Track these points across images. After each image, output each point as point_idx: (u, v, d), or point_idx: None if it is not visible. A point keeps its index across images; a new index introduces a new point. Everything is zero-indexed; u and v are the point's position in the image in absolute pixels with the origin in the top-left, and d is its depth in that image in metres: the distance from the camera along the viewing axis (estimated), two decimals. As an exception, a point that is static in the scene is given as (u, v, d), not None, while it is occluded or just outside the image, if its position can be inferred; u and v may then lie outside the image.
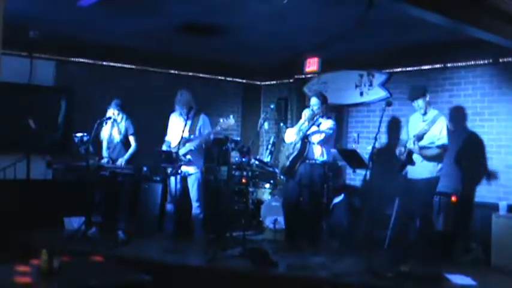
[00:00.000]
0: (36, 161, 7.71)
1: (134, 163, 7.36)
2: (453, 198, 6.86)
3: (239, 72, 10.62)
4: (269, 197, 7.96)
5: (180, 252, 6.33)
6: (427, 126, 6.01)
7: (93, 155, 7.09)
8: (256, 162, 8.47)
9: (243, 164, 7.98)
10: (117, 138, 7.34)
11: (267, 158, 9.27)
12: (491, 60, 7.24)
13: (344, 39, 7.35)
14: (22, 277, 3.79)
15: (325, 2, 6.09)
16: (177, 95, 7.14)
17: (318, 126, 6.80)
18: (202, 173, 7.21)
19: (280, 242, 7.08)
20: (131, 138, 7.37)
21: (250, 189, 8.05)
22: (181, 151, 6.88)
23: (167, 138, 7.29)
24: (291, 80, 10.05)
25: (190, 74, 9.96)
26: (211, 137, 7.14)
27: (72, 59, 8.71)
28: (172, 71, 9.77)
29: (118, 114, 7.30)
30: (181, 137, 6.91)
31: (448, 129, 6.18)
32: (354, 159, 7.04)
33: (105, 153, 7.39)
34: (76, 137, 6.93)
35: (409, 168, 6.31)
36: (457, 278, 5.48)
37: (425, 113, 6.31)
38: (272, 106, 9.03)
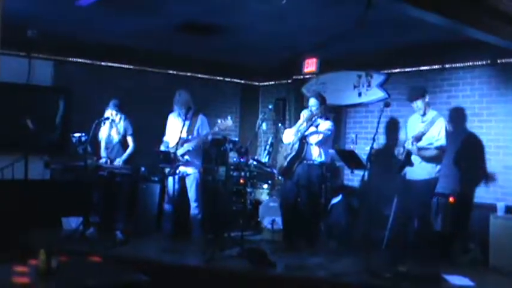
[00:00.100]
0: (34, 161, 7.69)
1: (132, 163, 7.35)
2: (451, 199, 6.87)
3: (237, 72, 10.62)
4: (267, 198, 7.97)
5: (178, 253, 6.32)
6: (425, 127, 6.00)
7: (91, 155, 7.08)
8: (254, 163, 8.48)
9: (241, 165, 7.99)
10: (115, 138, 7.33)
11: (265, 159, 9.28)
12: (489, 61, 7.25)
13: (342, 39, 7.35)
14: (20, 277, 3.79)
15: (324, 2, 6.09)
16: (175, 95, 7.14)
17: (316, 127, 6.81)
18: (200, 173, 7.20)
19: (278, 242, 7.09)
20: (129, 139, 7.36)
21: (248, 190, 8.06)
22: (180, 151, 6.87)
23: (165, 138, 7.28)
24: (289, 81, 10.06)
25: (189, 74, 9.96)
26: (209, 137, 7.13)
27: (70, 59, 8.70)
28: (171, 71, 9.76)
29: (116, 114, 7.28)
30: (180, 137, 6.89)
31: (446, 130, 6.18)
32: (352, 159, 7.05)
33: (103, 153, 7.37)
34: (74, 137, 6.91)
35: (407, 169, 6.31)
36: (455, 279, 5.49)
37: (424, 114, 6.30)
38: (270, 107, 9.03)
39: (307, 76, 9.59)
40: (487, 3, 5.51)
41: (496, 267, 6.17)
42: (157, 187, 7.71)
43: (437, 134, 6.12)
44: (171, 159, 6.79)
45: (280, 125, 10.00)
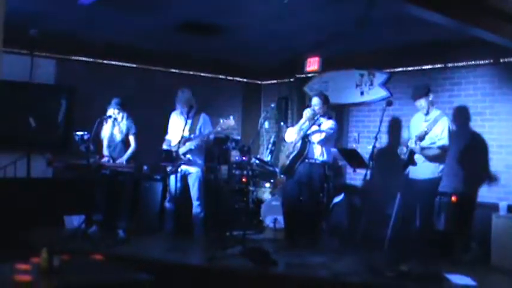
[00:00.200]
0: (37, 159, 7.70)
1: (135, 162, 7.35)
2: (453, 198, 6.86)
3: (240, 71, 10.62)
4: (269, 196, 7.97)
5: (180, 251, 6.33)
6: (429, 126, 6.00)
7: (93, 154, 7.08)
8: (257, 162, 8.47)
9: (243, 163, 8.00)
10: (118, 137, 7.33)
11: (267, 157, 9.28)
12: (492, 60, 7.24)
13: (345, 38, 7.35)
14: (22, 275, 3.79)
15: (326, 1, 6.08)
16: (177, 93, 7.14)
17: (319, 126, 6.81)
18: (202, 172, 7.20)
19: (280, 241, 7.08)
20: (131, 138, 7.35)
21: (251, 189, 8.06)
22: (182, 150, 6.88)
23: (167, 137, 7.28)
24: (292, 80, 10.05)
25: (191, 73, 9.96)
26: (212, 136, 7.13)
27: (72, 57, 8.71)
28: (173, 70, 9.77)
29: (118, 113, 7.28)
30: (182, 136, 6.90)
31: (449, 130, 6.17)
32: (354, 158, 7.06)
33: (105, 151, 7.37)
34: (76, 135, 6.90)
35: (410, 168, 6.31)
36: (456, 278, 5.47)
37: (427, 113, 6.29)
38: (273, 105, 9.06)
39: (310, 75, 9.59)
40: (489, 2, 5.51)
41: (498, 266, 6.16)
42: (159, 186, 7.72)
43: (440, 133, 6.11)
44: (173, 158, 6.80)
45: (282, 123, 10.01)
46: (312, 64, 9.27)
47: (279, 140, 9.69)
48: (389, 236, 6.59)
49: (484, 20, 5.65)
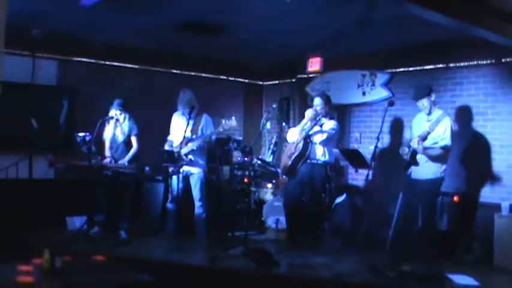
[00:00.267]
0: (38, 161, 7.71)
1: (137, 163, 7.35)
2: (455, 198, 6.85)
3: (241, 71, 10.62)
4: (271, 197, 7.96)
5: (182, 252, 6.32)
6: (431, 126, 5.98)
7: (95, 155, 7.09)
8: (259, 162, 8.47)
9: (245, 164, 7.98)
10: (120, 138, 7.33)
11: (269, 158, 9.26)
12: (493, 60, 7.24)
13: (346, 38, 7.34)
14: (24, 276, 3.79)
15: (328, 2, 6.08)
16: (179, 94, 7.15)
17: (321, 126, 6.80)
18: (204, 172, 7.20)
19: (282, 241, 7.08)
20: (133, 139, 7.35)
21: (253, 189, 8.05)
22: (183, 151, 6.88)
23: (169, 137, 7.29)
24: (293, 80, 10.05)
25: (193, 73, 9.97)
26: (213, 137, 7.14)
27: (74, 58, 8.72)
28: (175, 71, 9.77)
29: (120, 114, 7.29)
30: (184, 136, 6.91)
31: (451, 130, 6.16)
32: (356, 159, 7.05)
33: (107, 152, 7.38)
34: (78, 136, 6.91)
35: (412, 168, 6.30)
36: (459, 278, 5.46)
37: (429, 113, 6.28)
38: (274, 106, 9.07)
39: (311, 75, 9.59)
40: (490, 2, 5.51)
41: (500, 266, 6.15)
42: (161, 186, 7.72)
43: (442, 133, 6.10)
44: (175, 159, 6.80)
45: (284, 124, 10.02)
46: (314, 64, 9.26)
47: (281, 140, 9.69)
48: (392, 236, 6.59)
49: (484, 20, 5.65)
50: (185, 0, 6.33)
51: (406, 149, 6.22)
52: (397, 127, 8.07)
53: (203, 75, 10.12)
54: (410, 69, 8.25)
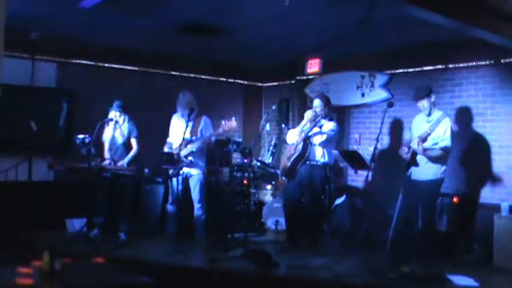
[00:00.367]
0: (38, 163, 7.72)
1: (136, 164, 7.35)
2: (455, 199, 6.85)
3: (241, 73, 10.63)
4: (271, 198, 7.96)
5: (181, 254, 6.32)
6: (431, 127, 5.98)
7: (94, 157, 7.08)
8: (258, 164, 8.47)
9: (244, 166, 7.99)
10: (119, 140, 7.32)
11: (268, 160, 9.27)
12: (492, 61, 7.24)
13: (345, 40, 7.35)
14: (24, 278, 3.79)
15: (327, 3, 6.08)
16: (178, 96, 7.15)
17: (320, 127, 6.80)
18: (204, 174, 7.20)
19: (281, 243, 7.07)
20: (133, 141, 7.35)
21: (252, 191, 8.05)
22: (183, 152, 6.88)
23: (169, 139, 7.28)
24: (293, 81, 10.06)
25: (192, 75, 9.97)
26: (213, 139, 7.13)
27: (74, 60, 8.72)
28: (174, 73, 9.77)
29: (120, 115, 7.28)
30: (183, 138, 6.91)
31: (452, 131, 6.16)
32: (355, 160, 7.06)
33: (107, 154, 7.37)
34: (78, 138, 6.90)
35: (412, 169, 6.30)
36: (458, 279, 5.47)
37: (429, 114, 6.28)
38: (274, 107, 9.06)
39: (311, 77, 9.58)
40: (489, 2, 5.51)
41: (500, 267, 6.15)
42: (161, 188, 7.71)
43: (442, 134, 6.10)
44: (174, 160, 6.80)
45: (283, 125, 10.02)
46: (313, 66, 9.27)
47: (280, 142, 9.70)
48: (391, 237, 6.58)
49: (484, 20, 5.65)
50: (185, 2, 6.33)
51: (406, 150, 6.22)
52: (397, 128, 8.07)
53: (203, 77, 10.13)
54: (410, 70, 8.25)
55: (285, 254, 6.37)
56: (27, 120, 7.54)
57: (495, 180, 7.07)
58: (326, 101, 6.88)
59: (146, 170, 7.88)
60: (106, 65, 9.06)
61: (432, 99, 6.31)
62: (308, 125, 6.78)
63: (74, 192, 7.34)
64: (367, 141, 8.58)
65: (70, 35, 8.02)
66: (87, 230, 6.77)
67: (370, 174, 6.27)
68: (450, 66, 7.71)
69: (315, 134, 6.76)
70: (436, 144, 6.12)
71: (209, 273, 5.74)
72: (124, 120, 7.31)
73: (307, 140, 6.76)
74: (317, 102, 6.85)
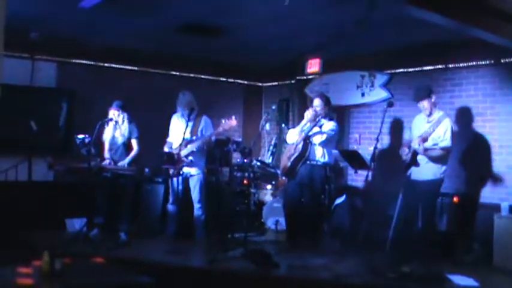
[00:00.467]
0: (38, 163, 7.72)
1: (136, 164, 7.35)
2: (455, 199, 6.85)
3: (241, 73, 10.63)
4: (271, 198, 7.95)
5: (181, 254, 6.31)
6: (431, 128, 5.98)
7: (94, 157, 7.08)
8: (258, 164, 8.46)
9: (244, 165, 7.98)
10: (119, 140, 7.32)
11: (268, 159, 9.27)
12: (492, 61, 7.24)
13: (345, 40, 7.35)
14: (24, 278, 3.80)
15: (327, 3, 6.08)
16: (178, 96, 7.15)
17: (320, 127, 6.80)
18: (204, 174, 7.20)
19: (281, 243, 7.07)
20: (134, 142, 7.34)
21: (252, 191, 8.04)
22: (183, 152, 6.88)
23: (169, 139, 7.28)
24: (293, 81, 10.06)
25: (192, 75, 9.97)
26: (213, 138, 7.14)
27: (73, 60, 8.72)
28: (174, 73, 9.77)
29: (119, 115, 7.28)
30: (183, 138, 6.91)
31: (452, 131, 6.17)
32: (355, 160, 7.05)
33: (107, 154, 7.37)
34: (78, 138, 6.90)
35: (412, 169, 6.30)
36: (459, 279, 5.46)
37: (430, 114, 6.28)
38: (274, 107, 9.06)
39: (310, 77, 9.58)
40: (489, 2, 5.51)
41: (500, 267, 6.14)
42: (161, 188, 7.71)
43: (443, 134, 6.10)
44: (174, 160, 6.80)
45: (283, 125, 10.02)
46: (313, 66, 9.26)
47: (280, 141, 9.70)
48: (391, 237, 6.59)
49: (483, 20, 5.65)
50: (185, 2, 6.33)
51: (406, 150, 6.22)
52: (397, 128, 8.07)
53: (203, 77, 10.13)
54: (410, 70, 8.25)
55: (285, 254, 6.37)
56: (27, 120, 7.55)
57: (495, 180, 7.07)
58: (326, 101, 6.88)
59: (146, 170, 7.88)
60: (106, 65, 9.06)
61: (433, 100, 6.31)
62: (308, 124, 6.78)
63: (74, 192, 7.35)
64: (367, 141, 8.58)
65: (70, 35, 8.02)
66: (87, 230, 6.77)
67: (370, 174, 6.27)
68: (450, 66, 7.71)
69: (315, 133, 6.75)
70: (436, 144, 6.12)
71: (209, 273, 5.74)
72: (123, 119, 7.30)
73: (307, 140, 6.76)
74: (317, 102, 6.85)
